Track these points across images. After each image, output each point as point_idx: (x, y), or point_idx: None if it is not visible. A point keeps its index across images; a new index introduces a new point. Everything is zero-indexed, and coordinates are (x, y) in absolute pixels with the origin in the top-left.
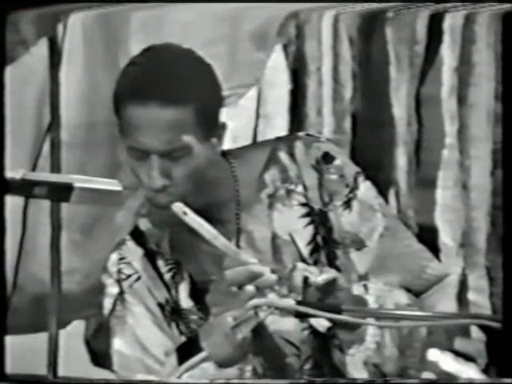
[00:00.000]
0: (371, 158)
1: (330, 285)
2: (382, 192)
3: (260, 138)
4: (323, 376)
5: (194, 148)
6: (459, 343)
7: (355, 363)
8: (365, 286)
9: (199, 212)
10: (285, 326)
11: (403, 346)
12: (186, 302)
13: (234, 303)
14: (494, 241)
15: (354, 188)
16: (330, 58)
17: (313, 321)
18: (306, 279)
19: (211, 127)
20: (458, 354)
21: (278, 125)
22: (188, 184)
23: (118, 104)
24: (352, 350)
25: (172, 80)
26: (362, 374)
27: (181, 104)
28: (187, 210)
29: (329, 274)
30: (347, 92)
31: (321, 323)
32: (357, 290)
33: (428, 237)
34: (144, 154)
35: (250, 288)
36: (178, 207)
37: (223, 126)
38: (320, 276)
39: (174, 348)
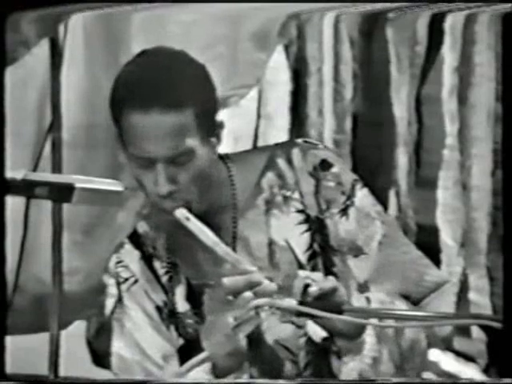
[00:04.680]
0: (372, 158)
1: (330, 295)
2: (383, 192)
3: (261, 139)
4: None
5: (197, 151)
6: (460, 343)
7: (348, 372)
8: (367, 299)
9: (199, 217)
10: (282, 332)
11: (402, 361)
12: (182, 305)
13: (231, 310)
14: (495, 241)
15: (350, 195)
16: (331, 58)
17: (309, 329)
18: (306, 287)
19: (211, 127)
20: (458, 354)
21: (278, 125)
22: (193, 188)
23: (116, 112)
24: (347, 358)
25: (169, 85)
26: None
27: (181, 108)
28: (190, 215)
29: (329, 282)
30: (348, 92)
31: (317, 333)
32: (358, 302)
33: (429, 237)
34: (149, 161)
35: (247, 294)
36: (181, 213)
37: (221, 125)
38: (318, 284)
39: (173, 350)
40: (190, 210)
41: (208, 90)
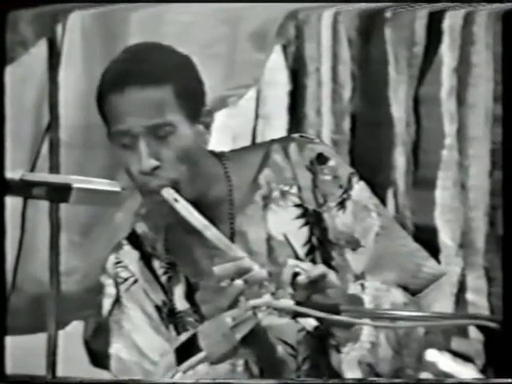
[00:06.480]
0: (370, 159)
1: (320, 282)
2: (381, 192)
3: (259, 139)
4: (321, 377)
5: (179, 128)
6: (457, 343)
7: (349, 361)
8: (362, 285)
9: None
10: (281, 326)
11: (399, 346)
12: (181, 304)
13: (222, 298)
14: (493, 241)
15: (347, 188)
16: (329, 58)
17: (301, 319)
18: (295, 275)
19: (195, 111)
20: (456, 354)
21: (277, 125)
22: (178, 167)
23: (101, 100)
24: (346, 348)
25: (148, 65)
26: (355, 372)
27: (158, 83)
28: (178, 196)
29: (317, 270)
30: (346, 92)
31: (308, 321)
32: (353, 288)
33: (427, 237)
34: (132, 139)
35: (238, 282)
36: (169, 193)
37: (209, 113)
38: (306, 273)
39: (172, 349)
40: (179, 192)
41: (189, 73)
